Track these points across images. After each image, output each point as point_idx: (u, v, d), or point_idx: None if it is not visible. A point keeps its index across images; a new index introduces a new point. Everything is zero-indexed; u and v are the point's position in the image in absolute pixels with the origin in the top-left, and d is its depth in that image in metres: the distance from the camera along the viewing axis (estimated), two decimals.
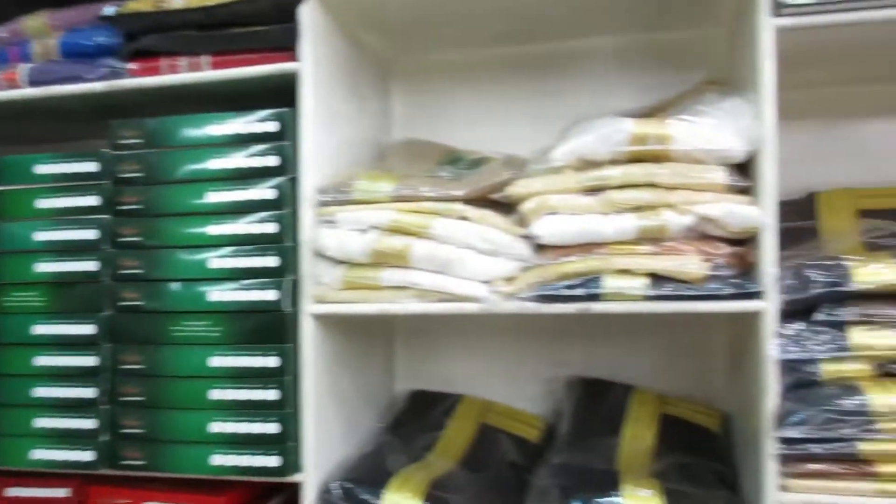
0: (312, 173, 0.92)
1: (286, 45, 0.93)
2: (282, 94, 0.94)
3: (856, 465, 0.77)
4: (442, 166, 1.05)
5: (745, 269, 0.82)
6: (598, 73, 1.16)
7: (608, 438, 0.99)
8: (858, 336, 0.77)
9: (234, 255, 0.91)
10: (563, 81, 1.17)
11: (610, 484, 0.85)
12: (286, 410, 0.90)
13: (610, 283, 0.83)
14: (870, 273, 0.78)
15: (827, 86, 1.09)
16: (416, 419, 1.10)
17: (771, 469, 0.79)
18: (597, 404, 1.06)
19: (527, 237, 0.87)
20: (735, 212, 0.80)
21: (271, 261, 0.90)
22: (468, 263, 0.87)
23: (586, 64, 1.16)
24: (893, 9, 0.78)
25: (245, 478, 0.91)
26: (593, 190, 0.85)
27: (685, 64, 1.12)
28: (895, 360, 0.77)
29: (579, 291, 0.83)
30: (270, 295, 0.90)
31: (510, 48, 1.18)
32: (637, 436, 1.00)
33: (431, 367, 1.21)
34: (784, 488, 0.79)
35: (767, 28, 0.80)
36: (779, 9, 0.80)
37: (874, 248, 0.85)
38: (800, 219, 1.00)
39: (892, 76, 1.06)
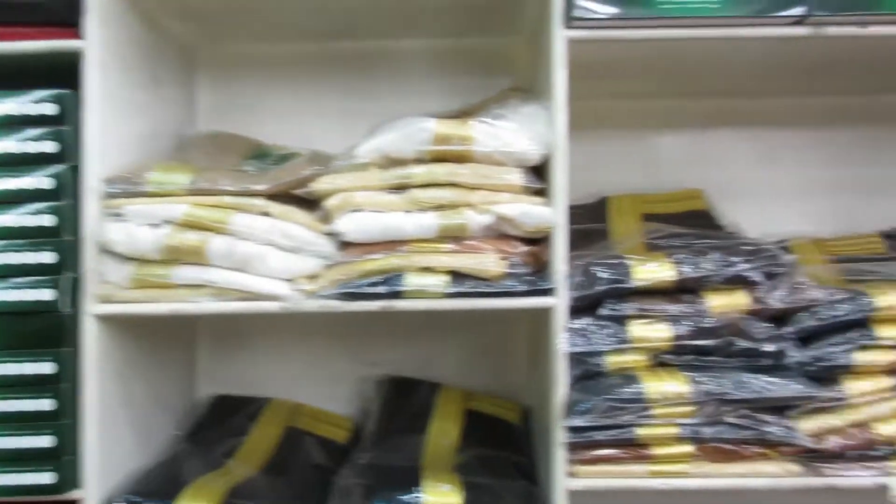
0: (98, 162, 0.85)
1: (70, 22, 0.85)
2: (67, 75, 0.85)
3: (634, 449, 0.82)
4: (247, 161, 1.01)
5: (539, 268, 0.86)
6: (411, 75, 1.17)
7: (414, 436, 1.00)
8: (637, 329, 0.83)
9: (2, 250, 0.82)
10: (376, 81, 1.17)
11: (412, 481, 0.86)
12: (63, 421, 0.82)
13: (412, 281, 0.83)
14: (647, 271, 0.84)
15: (621, 98, 1.18)
16: (217, 425, 1.05)
17: (560, 457, 0.83)
18: (404, 403, 1.06)
19: (330, 234, 0.86)
20: (530, 212, 0.84)
21: (47, 257, 0.82)
22: (269, 260, 0.84)
23: (399, 64, 1.17)
24: (677, 28, 0.84)
25: (13, 498, 0.81)
26: (397, 188, 0.86)
27: (494, 70, 1.16)
28: (668, 351, 0.83)
29: (381, 289, 0.83)
30: (45, 294, 0.82)
31: (323, 44, 1.16)
32: (442, 432, 1.01)
33: (238, 371, 1.16)
34: (572, 475, 0.83)
35: (560, 39, 0.84)
36: (571, 21, 0.84)
37: (653, 248, 0.92)
38: (592, 221, 1.07)
39: (677, 92, 1.16)
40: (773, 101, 1.18)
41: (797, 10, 0.82)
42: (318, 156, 0.97)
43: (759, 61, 0.99)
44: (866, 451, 0.82)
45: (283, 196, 0.88)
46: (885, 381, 0.82)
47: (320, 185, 0.86)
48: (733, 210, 1.11)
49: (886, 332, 0.82)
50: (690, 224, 1.00)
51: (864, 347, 0.82)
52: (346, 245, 0.86)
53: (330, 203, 0.86)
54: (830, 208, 1.18)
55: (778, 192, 1.18)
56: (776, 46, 0.88)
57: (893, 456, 0.82)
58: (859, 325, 0.82)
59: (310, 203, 0.88)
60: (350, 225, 0.84)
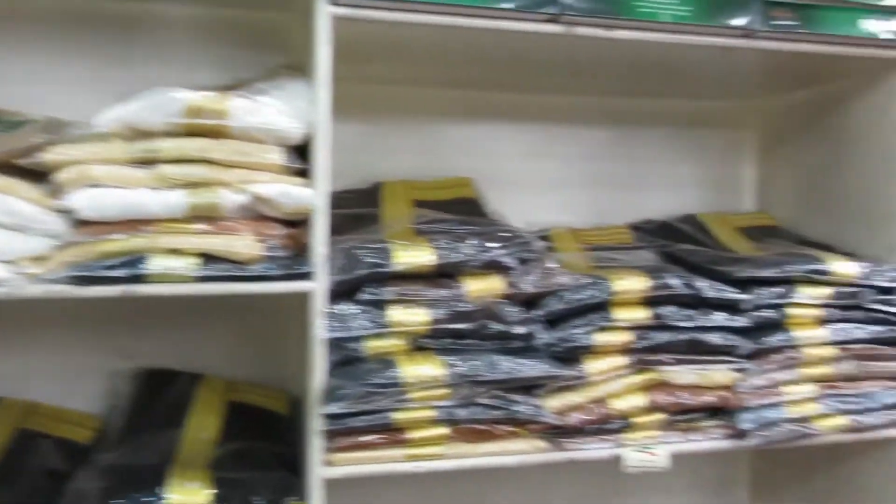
0: None
1: None
2: None
3: (391, 434, 0.82)
4: None
5: (298, 251, 0.83)
6: (177, 43, 1.08)
7: (169, 431, 0.93)
8: (395, 314, 0.83)
9: None
10: (135, 47, 1.07)
11: (157, 480, 0.79)
12: None
13: (157, 264, 0.77)
14: (407, 255, 0.84)
15: (400, 84, 1.18)
16: None
17: (316, 445, 0.81)
18: (159, 396, 0.99)
19: (62, 211, 0.77)
20: (289, 193, 0.81)
21: None
22: None
23: (161, 31, 1.07)
24: (439, 15, 0.84)
25: None
26: (143, 162, 0.79)
27: (268, 45, 1.11)
28: (426, 335, 0.84)
29: (121, 272, 0.75)
30: None
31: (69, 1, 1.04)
32: (201, 426, 0.95)
33: None
34: (329, 463, 0.81)
35: (324, 15, 0.82)
36: None
37: (420, 233, 0.92)
38: (365, 206, 1.06)
39: (453, 83, 1.18)
40: (540, 97, 1.24)
41: (551, 9, 0.85)
42: (55, 123, 0.86)
43: (521, 57, 1.03)
44: (602, 426, 0.88)
45: (8, 167, 0.78)
46: (619, 360, 0.89)
47: (52, 155, 0.77)
48: (501, 199, 1.15)
49: (622, 315, 0.89)
50: (457, 211, 1.02)
51: (602, 329, 0.88)
52: (80, 224, 0.77)
53: (63, 176, 0.77)
54: (589, 201, 1.27)
55: (543, 184, 1.25)
56: (533, 42, 0.92)
57: (626, 429, 0.89)
58: (600, 307, 0.88)
59: (40, 176, 0.78)
60: (85, 201, 0.76)
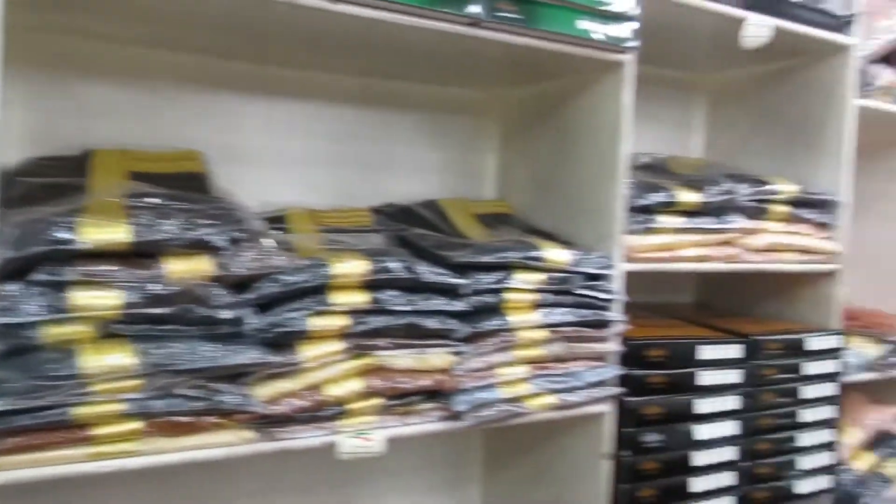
0: None
1: None
2: None
3: (70, 432, 0.73)
4: None
5: None
6: None
7: None
8: (79, 297, 0.74)
9: None
10: None
11: None
12: None
13: None
14: (97, 232, 0.75)
15: (128, 43, 1.07)
16: None
17: None
18: None
19: None
20: None
21: None
22: None
23: None
24: None
25: None
26: None
27: None
28: (117, 320, 0.75)
29: None
30: None
31: None
32: None
33: None
34: None
35: None
36: None
37: (126, 208, 0.83)
38: (70, 175, 0.94)
39: (185, 47, 1.08)
40: (287, 71, 1.19)
41: None
42: None
43: (260, 26, 0.96)
44: (317, 413, 0.85)
45: None
46: (336, 345, 0.86)
47: None
48: (240, 176, 1.10)
49: (340, 299, 0.86)
50: (179, 186, 0.93)
51: (319, 313, 0.85)
52: None
53: None
54: (334, 181, 1.24)
55: (286, 161, 1.20)
56: (261, 9, 0.86)
57: (341, 415, 0.87)
58: (317, 291, 0.85)
59: None
60: None
